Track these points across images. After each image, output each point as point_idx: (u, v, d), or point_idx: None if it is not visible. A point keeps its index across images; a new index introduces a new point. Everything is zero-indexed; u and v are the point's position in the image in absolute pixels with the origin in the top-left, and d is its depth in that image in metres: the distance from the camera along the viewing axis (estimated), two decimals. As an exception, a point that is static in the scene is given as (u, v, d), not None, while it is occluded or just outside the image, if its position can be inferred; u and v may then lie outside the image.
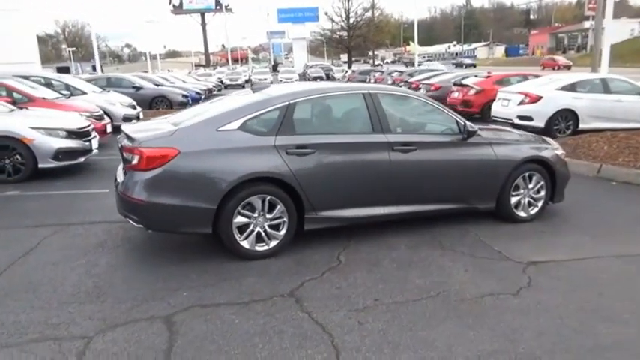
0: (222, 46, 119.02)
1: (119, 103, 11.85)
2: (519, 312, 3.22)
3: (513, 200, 4.97)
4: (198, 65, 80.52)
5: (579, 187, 6.11)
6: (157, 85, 18.23)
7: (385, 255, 4.18)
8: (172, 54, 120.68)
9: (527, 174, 4.97)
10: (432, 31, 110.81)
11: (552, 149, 5.16)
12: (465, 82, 14.02)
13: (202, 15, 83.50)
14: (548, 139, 5.52)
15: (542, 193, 5.08)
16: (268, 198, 4.00)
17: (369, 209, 4.43)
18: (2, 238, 4.65)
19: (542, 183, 5.05)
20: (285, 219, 4.09)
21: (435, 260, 4.08)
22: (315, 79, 40.00)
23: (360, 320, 3.12)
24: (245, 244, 4.02)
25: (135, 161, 3.81)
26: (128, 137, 4.02)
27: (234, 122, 4.01)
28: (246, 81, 42.10)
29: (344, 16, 40.10)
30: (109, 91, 13.24)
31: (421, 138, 4.59)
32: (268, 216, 4.05)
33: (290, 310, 3.26)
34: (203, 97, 20.16)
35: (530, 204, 5.07)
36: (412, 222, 4.77)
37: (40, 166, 6.79)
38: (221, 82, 41.06)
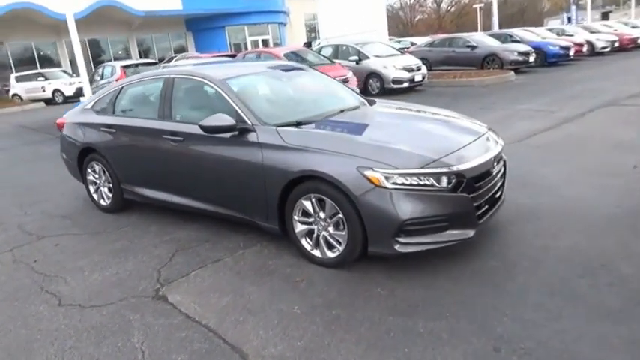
0: None
1: (392, 67, 12.68)
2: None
3: (300, 228, 3.48)
4: None
5: None
6: (517, 41, 16.96)
7: (143, 241, 4.23)
8: None
9: (313, 196, 3.33)
10: None
11: (355, 164, 3.05)
12: None
13: None
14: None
15: (345, 231, 3.25)
16: (101, 165, 4.94)
17: (164, 195, 4.42)
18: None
19: (340, 216, 3.23)
20: (110, 185, 4.91)
21: (123, 258, 3.90)
22: None
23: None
24: (95, 196, 5.16)
25: (62, 127, 5.64)
26: None
27: (92, 102, 5.09)
28: None
29: None
30: (399, 55, 14.01)
31: (188, 129, 3.94)
32: (103, 179, 5.00)
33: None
34: (569, 52, 17.06)
35: (330, 244, 3.38)
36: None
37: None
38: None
